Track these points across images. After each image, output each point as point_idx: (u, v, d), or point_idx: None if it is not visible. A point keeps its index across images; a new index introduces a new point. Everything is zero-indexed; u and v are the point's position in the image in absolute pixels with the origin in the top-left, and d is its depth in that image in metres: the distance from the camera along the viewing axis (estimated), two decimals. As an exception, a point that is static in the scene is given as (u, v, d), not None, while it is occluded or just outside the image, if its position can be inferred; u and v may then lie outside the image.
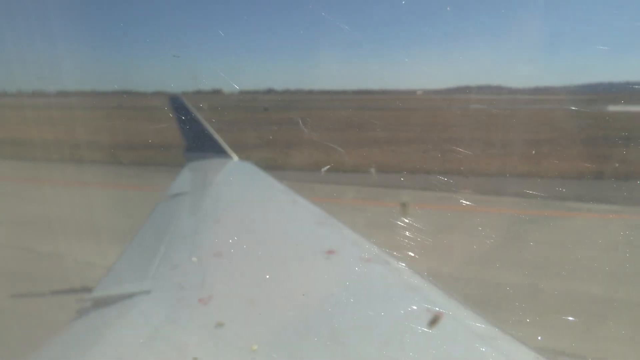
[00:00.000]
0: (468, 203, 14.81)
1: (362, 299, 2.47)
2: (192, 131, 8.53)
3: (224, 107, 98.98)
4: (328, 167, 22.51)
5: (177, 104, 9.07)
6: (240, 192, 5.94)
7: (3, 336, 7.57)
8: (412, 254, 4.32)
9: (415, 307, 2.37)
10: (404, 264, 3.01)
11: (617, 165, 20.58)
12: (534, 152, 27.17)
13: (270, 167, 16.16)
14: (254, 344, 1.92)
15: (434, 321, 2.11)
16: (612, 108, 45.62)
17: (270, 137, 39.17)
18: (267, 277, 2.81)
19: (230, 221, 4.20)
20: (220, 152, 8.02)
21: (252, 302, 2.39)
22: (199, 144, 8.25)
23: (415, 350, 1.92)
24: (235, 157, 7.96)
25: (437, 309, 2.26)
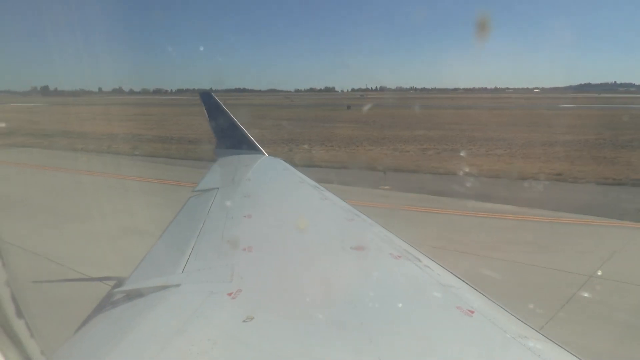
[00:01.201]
0: None
1: (392, 295, 2.45)
2: (223, 127, 8.50)
3: (314, 104, 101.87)
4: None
5: (208, 100, 9.00)
6: (270, 188, 5.97)
7: None
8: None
9: (446, 305, 2.35)
10: (435, 261, 2.99)
11: None
12: None
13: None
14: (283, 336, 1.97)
15: None
16: None
17: (317, 133, 41.21)
18: (296, 272, 2.83)
19: (260, 216, 4.23)
20: (250, 148, 8.07)
21: (281, 297, 2.41)
22: (230, 139, 8.29)
23: (445, 348, 1.92)
24: (265, 153, 8.00)
25: (468, 307, 2.23)
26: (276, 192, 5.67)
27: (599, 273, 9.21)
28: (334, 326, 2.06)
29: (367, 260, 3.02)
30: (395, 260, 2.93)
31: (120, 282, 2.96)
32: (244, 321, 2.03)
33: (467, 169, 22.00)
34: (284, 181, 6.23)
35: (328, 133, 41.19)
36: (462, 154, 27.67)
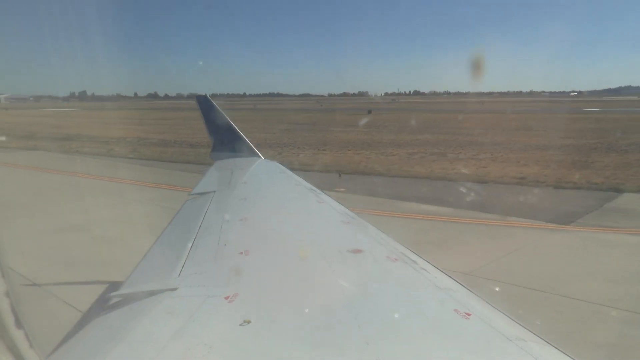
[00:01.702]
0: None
1: (389, 299, 2.46)
2: (219, 130, 8.52)
3: (339, 109, 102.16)
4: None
5: (204, 103, 8.94)
6: (266, 191, 5.96)
7: None
8: None
9: (443, 308, 2.34)
10: (431, 264, 3.00)
11: None
12: None
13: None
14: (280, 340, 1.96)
15: None
16: None
17: (319, 137, 41.46)
18: (294, 275, 2.82)
19: (257, 220, 4.22)
20: (247, 151, 8.06)
21: (278, 300, 2.40)
22: (227, 143, 8.28)
23: (443, 351, 1.92)
24: (261, 156, 7.95)
25: (465, 309, 2.24)
26: (272, 196, 5.68)
27: (473, 272, 9.48)
28: (331, 330, 2.06)
29: (364, 263, 3.03)
30: (392, 263, 2.95)
31: (113, 285, 3.00)
32: (240, 325, 2.04)
33: (435, 173, 22.16)
34: (280, 184, 6.24)
35: (330, 137, 41.67)
36: (444, 158, 27.74)
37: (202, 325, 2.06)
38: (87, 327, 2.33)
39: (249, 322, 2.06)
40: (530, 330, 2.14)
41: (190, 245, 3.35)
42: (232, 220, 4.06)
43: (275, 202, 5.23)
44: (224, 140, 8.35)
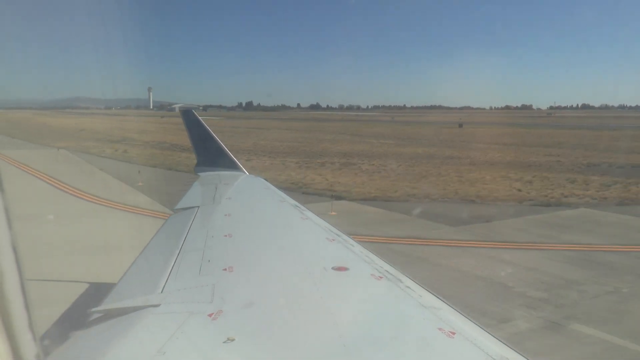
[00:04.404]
0: None
1: (374, 317, 2.40)
2: (204, 145, 8.32)
3: (454, 122, 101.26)
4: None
5: (190, 118, 8.71)
6: (250, 207, 5.81)
7: None
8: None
9: (427, 327, 2.29)
10: (415, 282, 2.95)
11: None
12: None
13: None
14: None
15: None
16: None
17: (328, 147, 43.35)
18: (278, 293, 2.75)
19: (241, 236, 4.10)
20: (231, 166, 7.86)
21: (262, 318, 2.34)
22: (211, 157, 8.06)
23: None
24: (245, 172, 7.78)
25: (450, 328, 2.19)
26: (257, 212, 5.56)
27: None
28: (315, 349, 2.04)
29: (348, 281, 2.98)
30: (377, 282, 2.91)
31: (94, 286, 3.21)
32: (224, 343, 1.99)
33: (304, 181, 24.40)
34: (264, 200, 6.13)
35: (340, 148, 44.06)
36: (362, 169, 29.54)
37: (185, 342, 2.02)
38: (67, 343, 2.28)
39: (233, 339, 2.03)
40: (514, 349, 2.16)
41: (173, 261, 3.28)
42: (216, 236, 3.98)
43: (260, 219, 5.14)
44: (209, 155, 8.20)
